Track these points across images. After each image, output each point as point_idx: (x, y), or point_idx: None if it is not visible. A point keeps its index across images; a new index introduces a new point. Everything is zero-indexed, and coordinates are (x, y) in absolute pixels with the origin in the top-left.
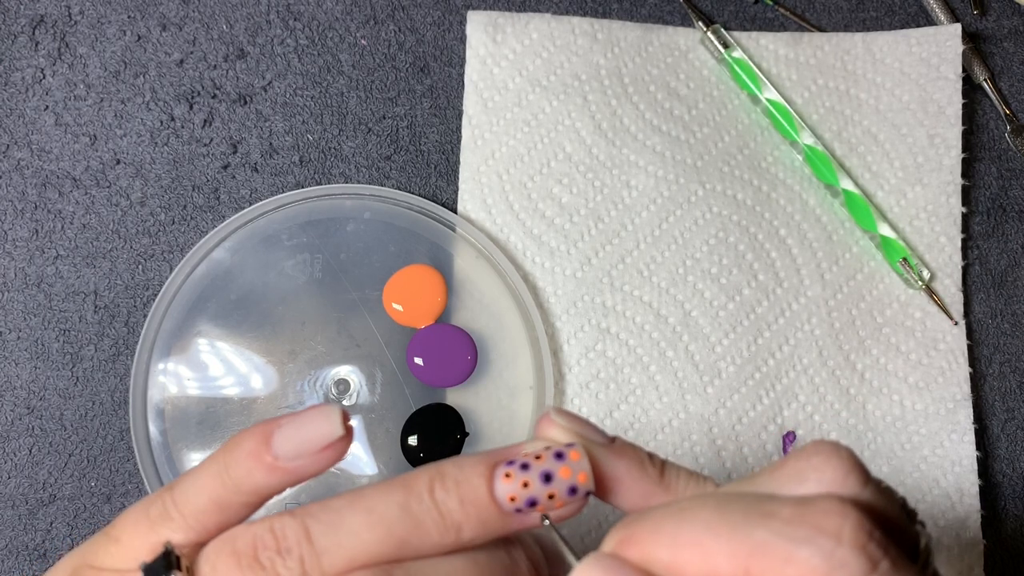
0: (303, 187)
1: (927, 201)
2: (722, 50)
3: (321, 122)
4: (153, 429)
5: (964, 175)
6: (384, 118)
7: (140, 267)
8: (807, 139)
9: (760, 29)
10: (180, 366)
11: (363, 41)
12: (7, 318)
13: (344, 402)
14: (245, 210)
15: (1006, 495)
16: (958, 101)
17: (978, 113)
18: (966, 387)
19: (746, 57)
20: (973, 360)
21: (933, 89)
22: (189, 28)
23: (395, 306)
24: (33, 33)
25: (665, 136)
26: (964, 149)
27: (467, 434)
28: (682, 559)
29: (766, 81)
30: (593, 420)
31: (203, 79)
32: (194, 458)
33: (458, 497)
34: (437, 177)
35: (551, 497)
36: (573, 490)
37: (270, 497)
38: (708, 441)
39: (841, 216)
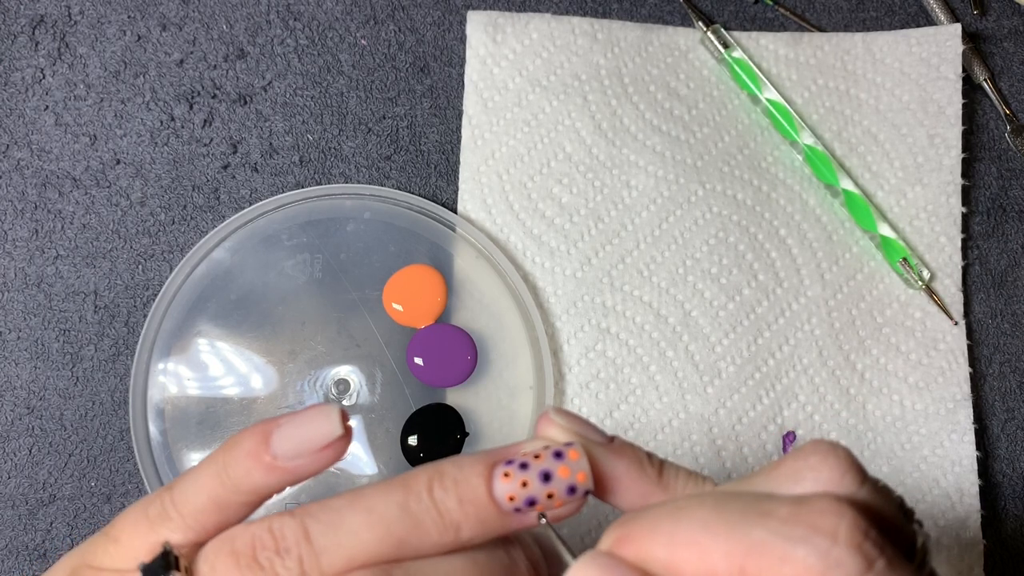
0: (303, 187)
1: (927, 201)
2: (722, 50)
3: (321, 122)
4: (153, 429)
5: (964, 175)
6: (384, 118)
7: (140, 267)
8: (807, 139)
9: (760, 29)
10: (180, 366)
11: (363, 41)
12: (7, 318)
13: (344, 402)
14: (245, 210)
15: (1006, 495)
16: (958, 101)
17: (978, 113)
18: (966, 387)
19: (746, 57)
20: (973, 360)
21: (933, 89)
22: (189, 28)
23: (395, 306)
24: (33, 33)
25: (665, 136)
26: (964, 149)
27: (467, 434)
28: (679, 558)
29: (766, 81)
30: (593, 420)
31: (203, 79)
32: (194, 458)
33: (457, 496)
34: (437, 177)
35: (550, 496)
36: (572, 489)
37: (269, 497)
38: (708, 441)
39: (841, 216)
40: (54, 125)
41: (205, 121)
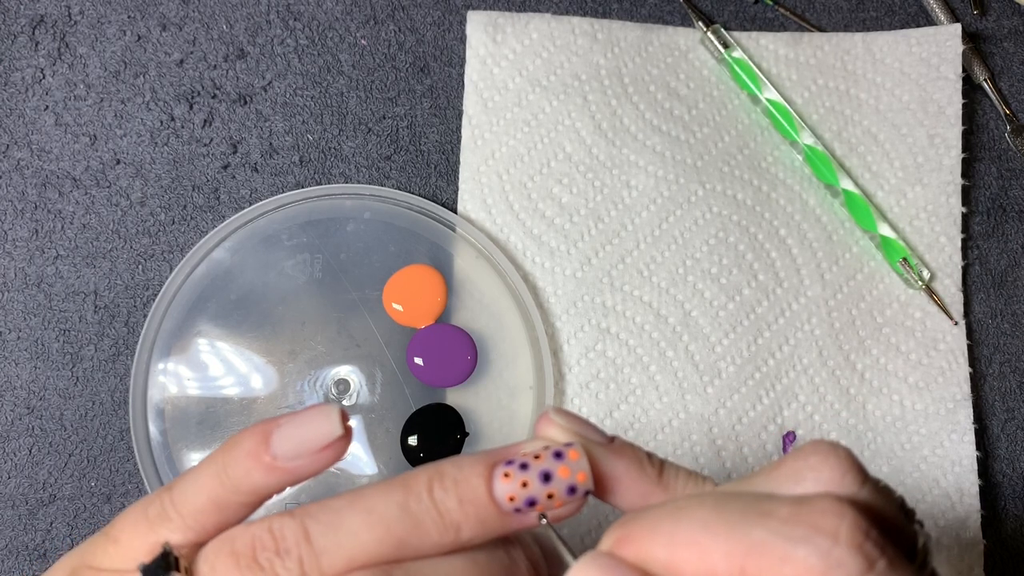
0: (303, 187)
1: (927, 201)
2: (722, 50)
3: (321, 122)
4: (153, 429)
5: (964, 175)
6: (384, 118)
7: (140, 267)
8: (807, 139)
9: (760, 29)
10: (180, 366)
11: (363, 41)
12: (7, 318)
13: (344, 402)
14: (245, 210)
15: (1006, 495)
16: (958, 101)
17: (978, 113)
18: (966, 387)
19: (746, 57)
20: (973, 360)
21: (933, 89)
22: (189, 28)
23: (395, 306)
24: (33, 33)
25: (665, 136)
26: (964, 149)
27: (467, 434)
28: (679, 558)
29: (766, 81)
30: (593, 420)
31: (203, 79)
32: (194, 458)
33: (457, 497)
34: (437, 177)
35: (550, 497)
36: (572, 489)
37: (269, 497)
38: (708, 441)
39: (841, 216)
40: (54, 125)
41: (205, 121)
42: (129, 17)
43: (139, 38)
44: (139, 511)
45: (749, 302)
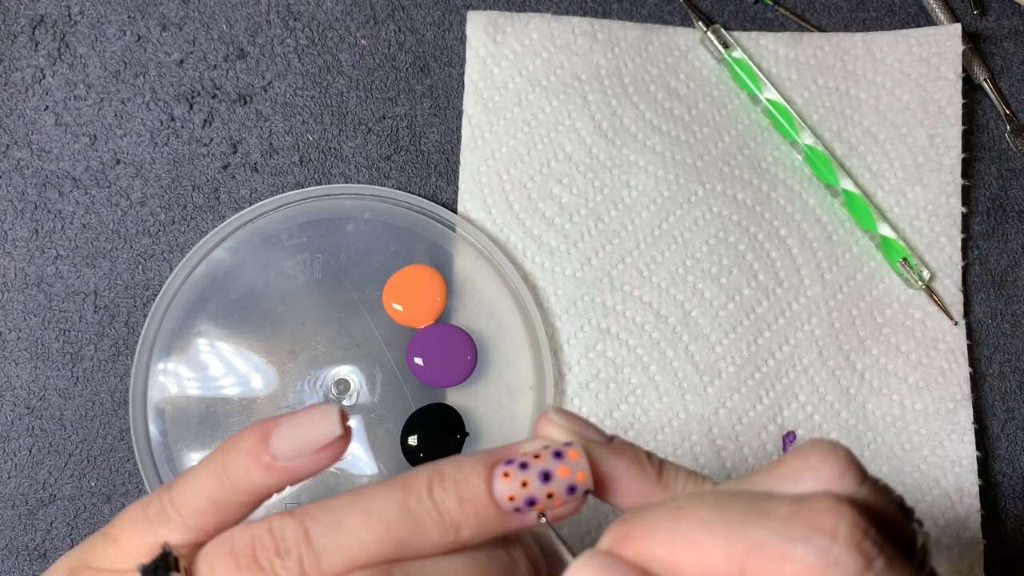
0: (303, 187)
1: (927, 201)
2: (722, 50)
3: (321, 122)
4: (153, 429)
5: (964, 175)
6: (384, 118)
7: (140, 267)
8: (807, 139)
9: (760, 29)
10: (180, 366)
11: (363, 41)
12: (7, 318)
13: (344, 402)
14: (245, 210)
15: (1006, 495)
16: (958, 101)
17: (978, 113)
18: (966, 387)
19: (746, 57)
20: (973, 360)
21: (933, 89)
22: (189, 28)
23: (395, 306)
24: (33, 33)
25: (665, 136)
26: (964, 149)
27: (467, 434)
28: (679, 557)
29: (766, 81)
30: (593, 420)
31: (203, 79)
32: (194, 458)
33: (457, 496)
34: (437, 177)
35: (550, 496)
36: (572, 489)
37: (268, 497)
38: (708, 441)
39: (841, 216)
40: (54, 125)
41: (205, 121)
42: (129, 17)
43: (139, 38)
44: (138, 511)
45: (749, 302)
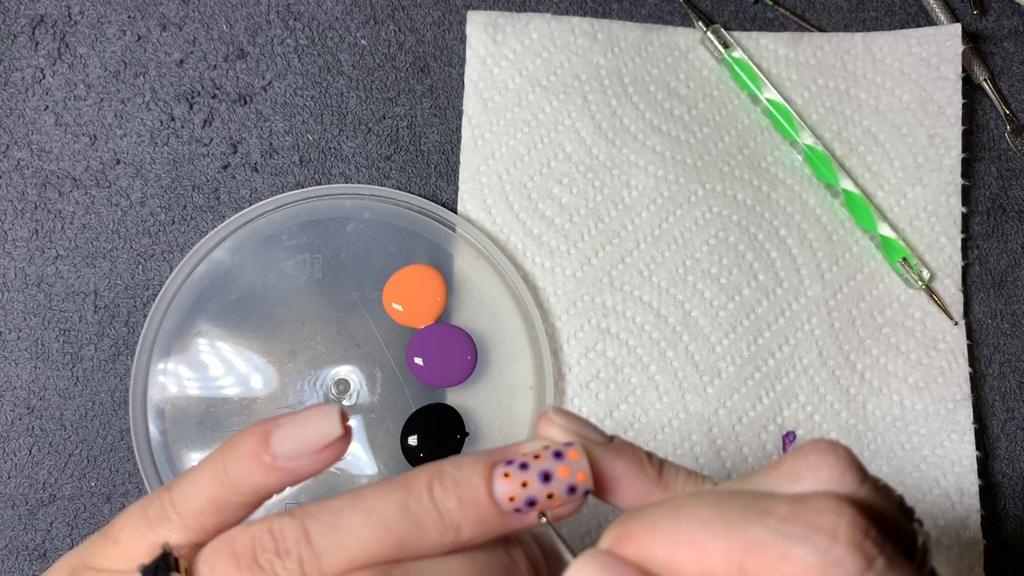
0: (303, 187)
1: (927, 201)
2: (722, 50)
3: (321, 122)
4: (153, 429)
5: (964, 175)
6: (384, 118)
7: (140, 267)
8: (807, 139)
9: (760, 29)
10: (180, 366)
11: (363, 41)
12: (7, 318)
13: (344, 402)
14: (245, 210)
15: (1006, 495)
16: (958, 101)
17: (978, 113)
18: (966, 387)
19: (746, 57)
20: (973, 360)
21: (933, 89)
22: (189, 28)
23: (395, 306)
24: (33, 33)
25: (665, 136)
26: (964, 149)
27: (467, 434)
28: (678, 556)
29: (766, 81)
30: (593, 420)
31: (203, 79)
32: (194, 458)
33: (457, 497)
34: (437, 177)
35: (550, 496)
36: (572, 489)
37: (268, 497)
38: (708, 441)
39: (841, 216)
40: (54, 125)
41: (205, 121)
42: (129, 17)
43: (139, 38)
44: (139, 511)
45: (749, 302)
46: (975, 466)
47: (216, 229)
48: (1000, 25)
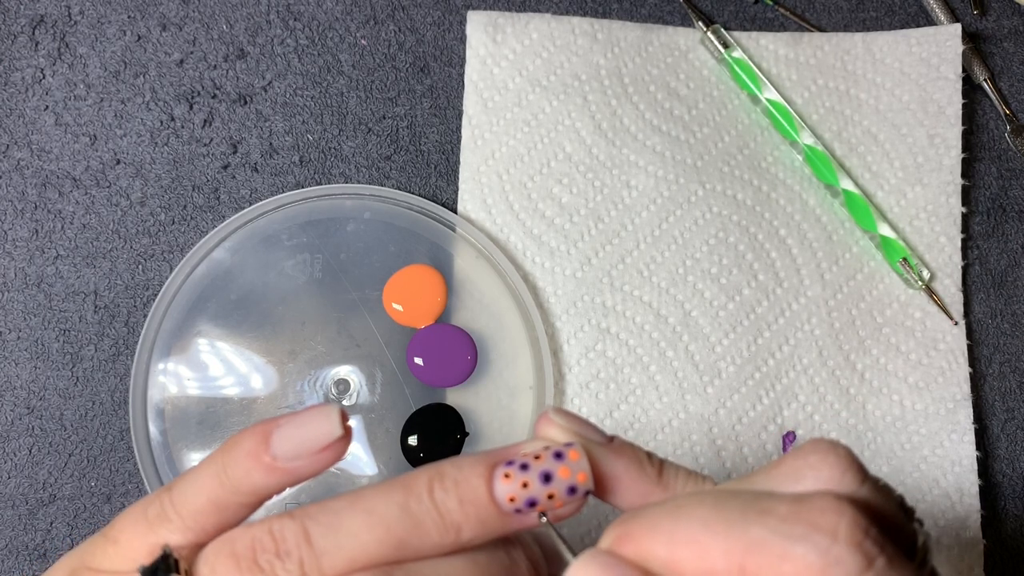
0: (303, 187)
1: (927, 201)
2: (722, 50)
3: (321, 122)
4: (153, 429)
5: (964, 175)
6: (384, 118)
7: (140, 267)
8: (807, 139)
9: (760, 29)
10: (180, 366)
11: (363, 41)
12: (7, 318)
13: (344, 402)
14: (245, 210)
15: (1006, 495)
16: (958, 101)
17: (978, 113)
18: (966, 387)
19: (746, 57)
20: (973, 360)
21: (933, 89)
22: (189, 28)
23: (395, 306)
24: (33, 33)
25: (665, 136)
26: (964, 149)
27: (467, 434)
28: (679, 556)
29: (766, 81)
30: (593, 420)
31: (203, 79)
32: (194, 458)
33: (457, 497)
34: (437, 177)
35: (550, 497)
36: (572, 490)
37: (269, 498)
38: (708, 441)
39: (841, 216)
40: (54, 125)
41: (205, 121)
42: (129, 17)
43: (139, 38)
44: (139, 512)
45: (749, 302)
46: (975, 466)
47: (216, 229)
48: (1000, 25)
